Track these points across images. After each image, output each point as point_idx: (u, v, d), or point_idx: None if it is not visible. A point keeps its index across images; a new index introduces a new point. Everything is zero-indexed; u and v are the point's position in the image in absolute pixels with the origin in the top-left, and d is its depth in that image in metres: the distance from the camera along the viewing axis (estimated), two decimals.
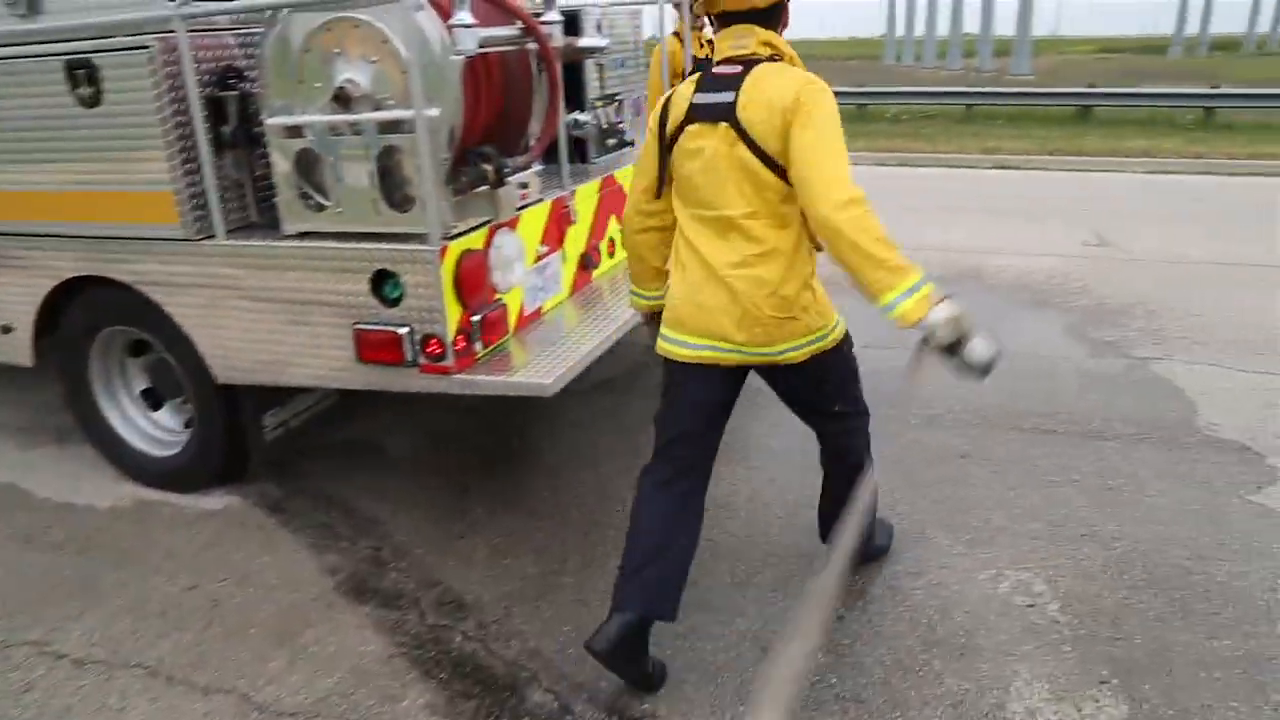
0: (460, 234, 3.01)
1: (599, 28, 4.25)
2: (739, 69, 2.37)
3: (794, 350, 2.47)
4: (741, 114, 2.31)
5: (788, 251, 2.39)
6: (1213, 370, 4.68)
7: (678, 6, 5.14)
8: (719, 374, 2.53)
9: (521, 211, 3.32)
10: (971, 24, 37.77)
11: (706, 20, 4.82)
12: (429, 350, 3.01)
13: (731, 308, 2.38)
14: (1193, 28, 43.91)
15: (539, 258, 3.49)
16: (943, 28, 39.12)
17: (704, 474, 2.66)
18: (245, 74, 3.31)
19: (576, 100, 4.23)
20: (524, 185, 3.26)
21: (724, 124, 2.33)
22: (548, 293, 3.60)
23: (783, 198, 2.34)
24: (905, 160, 11.91)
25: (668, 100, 2.48)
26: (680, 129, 2.41)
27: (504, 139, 3.24)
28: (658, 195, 2.57)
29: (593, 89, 4.27)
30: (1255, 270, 6.46)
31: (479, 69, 2.99)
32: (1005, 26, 32.52)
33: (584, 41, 3.81)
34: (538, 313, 3.54)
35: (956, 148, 12.97)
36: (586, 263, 3.87)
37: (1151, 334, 5.26)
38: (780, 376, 2.61)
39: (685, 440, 2.60)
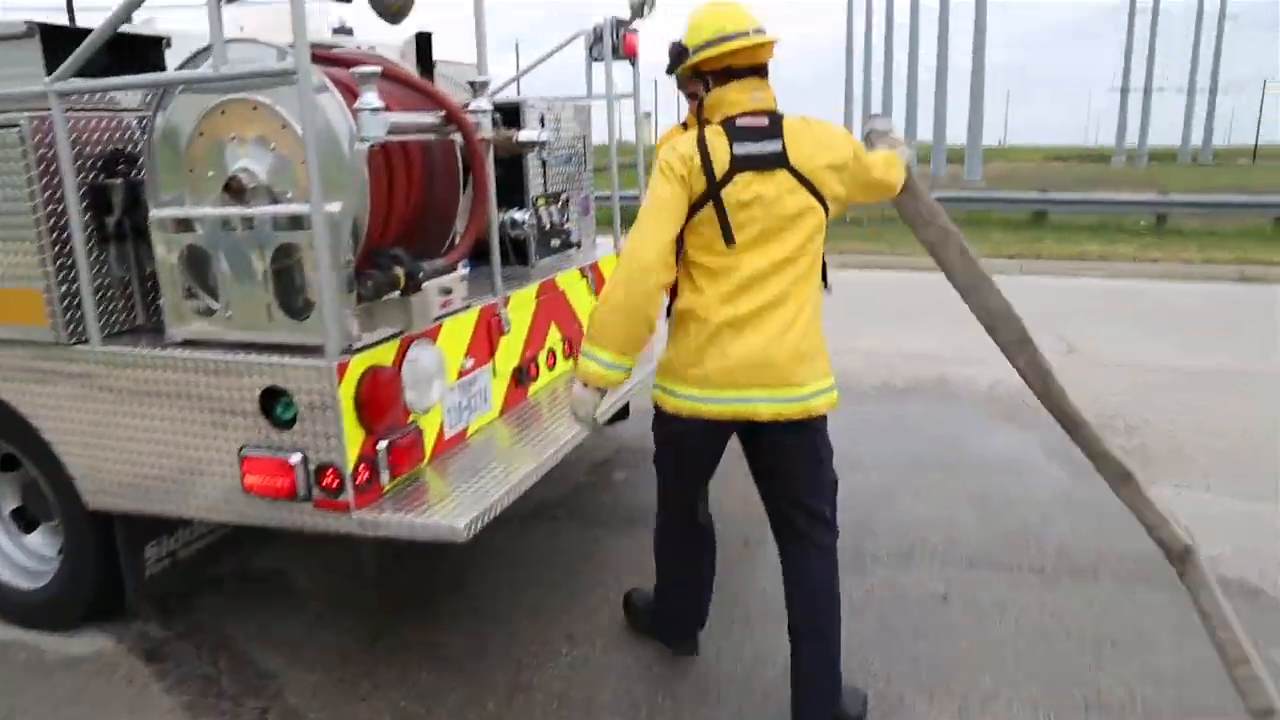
0: (366, 347, 2.59)
1: (543, 122, 3.96)
2: (765, 120, 2.45)
3: (819, 396, 2.51)
4: (797, 162, 2.43)
5: (816, 286, 2.56)
6: (1204, 496, 4.34)
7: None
8: (736, 425, 2.57)
9: (443, 320, 2.92)
10: (924, 131, 39.05)
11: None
12: (324, 483, 2.55)
13: (772, 348, 2.44)
14: (1131, 139, 46.03)
15: (463, 372, 3.07)
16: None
17: (706, 496, 2.92)
18: (138, 159, 2.92)
19: (517, 198, 3.89)
20: (446, 291, 2.87)
21: (782, 171, 2.42)
22: (474, 412, 3.17)
23: (822, 235, 2.54)
24: (867, 263, 11.79)
25: (703, 150, 2.41)
26: (727, 178, 2.41)
27: (425, 239, 2.86)
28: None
29: (535, 186, 3.93)
30: (1223, 378, 6.25)
31: (395, 160, 2.62)
32: (956, 135, 33.64)
33: (524, 135, 3.48)
34: (462, 435, 3.10)
35: (917, 250, 12.83)
36: (521, 377, 3.45)
37: (1134, 452, 4.94)
38: (787, 441, 2.56)
39: (698, 486, 2.84)
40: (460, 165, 2.91)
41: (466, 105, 2.87)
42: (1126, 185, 22.53)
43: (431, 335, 2.85)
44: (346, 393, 2.49)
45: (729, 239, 2.41)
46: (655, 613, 3.11)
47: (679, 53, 2.59)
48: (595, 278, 4.12)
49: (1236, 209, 14.67)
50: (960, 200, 16.60)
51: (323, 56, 2.59)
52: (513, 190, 3.90)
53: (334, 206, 2.38)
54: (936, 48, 32.03)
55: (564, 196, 4.18)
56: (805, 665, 2.61)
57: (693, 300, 2.47)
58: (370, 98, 2.25)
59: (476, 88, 2.84)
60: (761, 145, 2.42)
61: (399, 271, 2.48)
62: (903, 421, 5.62)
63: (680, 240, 2.44)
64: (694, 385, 2.48)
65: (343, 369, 2.47)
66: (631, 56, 4.49)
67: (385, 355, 2.64)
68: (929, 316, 8.47)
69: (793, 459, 2.59)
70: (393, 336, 2.68)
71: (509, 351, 3.37)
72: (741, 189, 2.39)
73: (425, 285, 2.64)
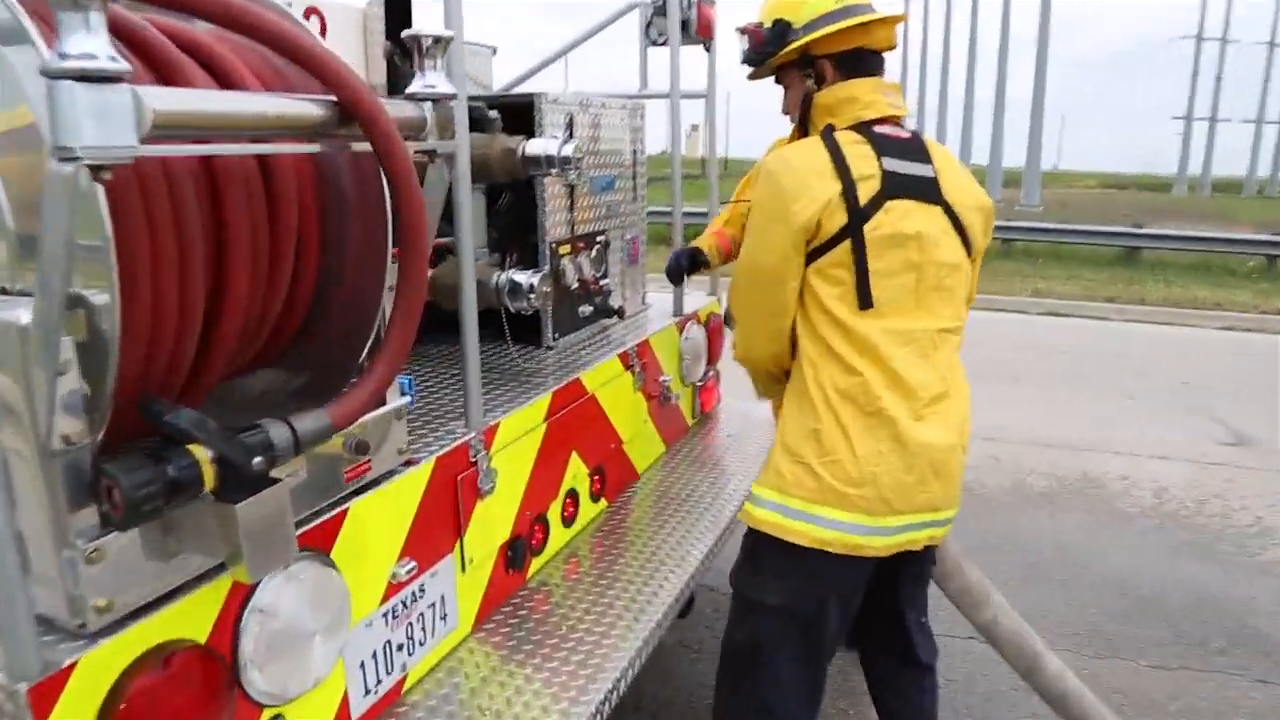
0: (128, 616, 1.16)
1: (570, 128, 2.55)
2: (909, 135, 1.91)
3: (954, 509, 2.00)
4: (952, 197, 1.88)
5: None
6: None
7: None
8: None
9: (352, 503, 1.49)
10: (980, 155, 37.51)
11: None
12: None
13: (951, 459, 1.87)
14: (1193, 168, 44.08)
15: (392, 590, 1.63)
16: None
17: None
18: None
19: (526, 245, 2.48)
20: (359, 450, 1.45)
21: (938, 206, 1.85)
22: (420, 646, 1.72)
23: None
24: None
25: (840, 161, 1.78)
26: (875, 205, 1.78)
27: (317, 354, 1.43)
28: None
29: (556, 226, 2.51)
30: None
31: (230, 196, 1.19)
32: (1011, 159, 32.07)
33: (535, 146, 2.08)
34: (394, 695, 1.67)
35: (1001, 288, 11.32)
36: (516, 555, 2.01)
37: None
38: (926, 560, 2.13)
39: (824, 666, 2.02)
40: (384, 196, 1.47)
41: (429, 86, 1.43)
42: (1194, 219, 20.89)
43: (323, 540, 1.42)
44: None
45: (866, 299, 1.79)
46: None
47: (781, 31, 1.94)
48: (646, 367, 2.69)
49: None
50: (1042, 230, 14.96)
51: None
52: (519, 232, 2.49)
53: (18, 314, 0.96)
54: (997, 70, 30.54)
55: (602, 239, 2.76)
56: None
57: (847, 384, 1.81)
58: (78, 42, 0.83)
59: (422, 50, 1.38)
60: (914, 166, 1.86)
61: (201, 457, 1.06)
62: (1061, 553, 4.07)
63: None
64: (858, 512, 1.82)
65: (53, 687, 1.05)
66: (706, 38, 3.08)
67: (190, 621, 1.21)
68: (1035, 380, 6.95)
69: (921, 581, 2.23)
70: (213, 576, 1.25)
71: (492, 522, 1.92)
72: (898, 218, 1.80)
73: (276, 469, 1.21)
